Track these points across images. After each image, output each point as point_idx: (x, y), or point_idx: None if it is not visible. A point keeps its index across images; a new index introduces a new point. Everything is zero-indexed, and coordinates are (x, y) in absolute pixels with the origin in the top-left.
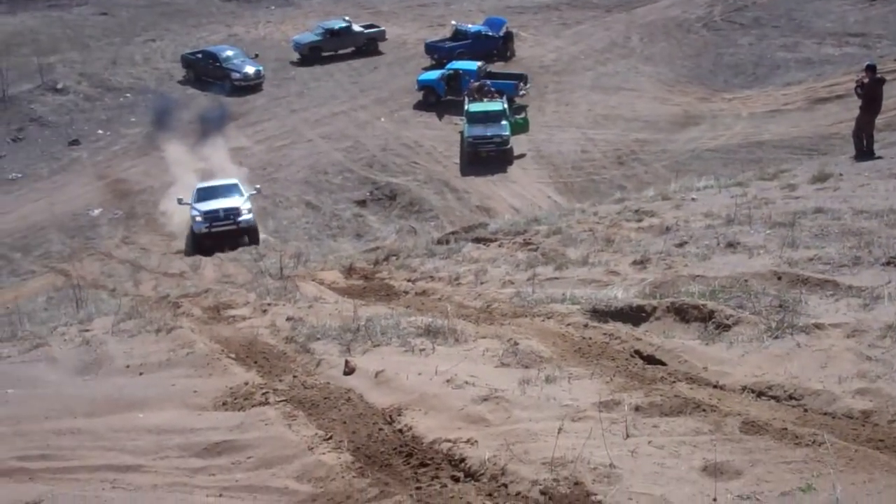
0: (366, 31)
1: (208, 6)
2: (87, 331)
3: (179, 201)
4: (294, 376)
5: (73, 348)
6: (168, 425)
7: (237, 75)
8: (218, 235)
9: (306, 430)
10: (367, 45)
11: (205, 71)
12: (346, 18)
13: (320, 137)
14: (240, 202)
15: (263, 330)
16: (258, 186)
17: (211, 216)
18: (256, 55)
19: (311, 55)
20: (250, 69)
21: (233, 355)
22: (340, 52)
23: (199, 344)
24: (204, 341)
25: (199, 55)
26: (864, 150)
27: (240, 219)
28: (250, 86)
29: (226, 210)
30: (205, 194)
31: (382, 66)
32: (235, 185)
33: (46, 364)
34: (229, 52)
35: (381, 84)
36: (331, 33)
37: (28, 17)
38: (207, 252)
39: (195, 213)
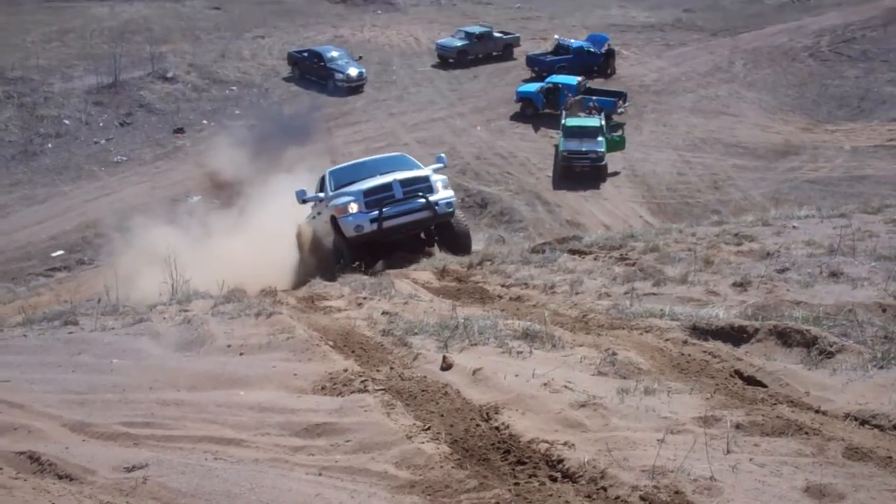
0: (504, 36)
1: (317, 7)
2: (186, 311)
3: (303, 198)
4: (391, 367)
5: (175, 326)
6: (268, 404)
7: (340, 76)
8: (393, 231)
9: (404, 420)
10: (505, 51)
11: (309, 69)
12: (486, 24)
13: (416, 142)
14: (427, 172)
15: (360, 322)
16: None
17: (377, 197)
18: (360, 57)
19: (459, 58)
20: (353, 71)
21: (331, 343)
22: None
23: (298, 330)
24: (303, 328)
25: (305, 54)
26: None
27: (435, 198)
28: (353, 87)
29: (406, 184)
30: (348, 174)
31: (483, 75)
32: (405, 158)
33: (149, 338)
34: (334, 53)
35: (480, 93)
36: (476, 38)
37: (144, 7)
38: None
39: (342, 200)
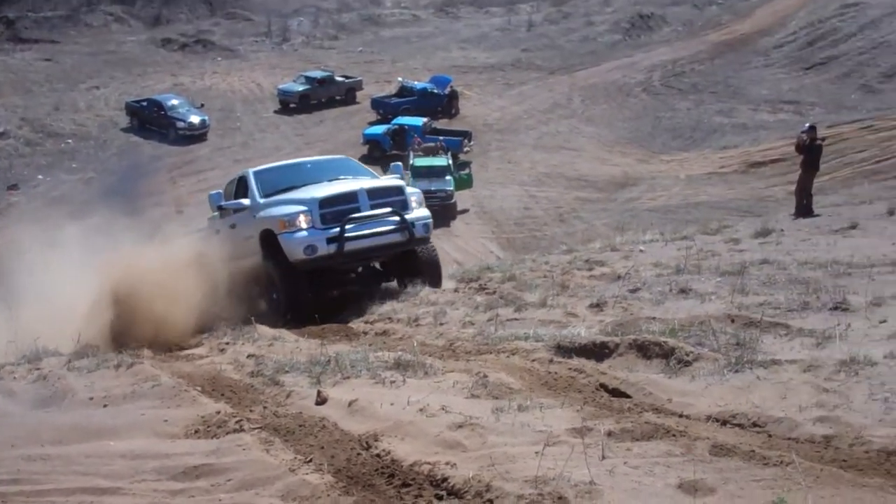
0: (346, 80)
1: (153, 55)
2: (38, 369)
3: (218, 203)
4: (265, 407)
5: (30, 383)
6: (141, 451)
7: (182, 124)
8: (355, 257)
9: (285, 455)
10: (347, 95)
11: (149, 119)
12: (327, 68)
13: None
14: (400, 183)
15: (226, 366)
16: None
17: (337, 210)
18: (202, 105)
19: (301, 103)
20: (195, 118)
21: (199, 388)
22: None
23: (163, 377)
24: (167, 375)
25: (145, 103)
26: (804, 209)
27: (412, 217)
28: (195, 135)
29: (376, 195)
30: (281, 178)
31: (328, 119)
32: (350, 162)
33: (4, 397)
34: (175, 101)
35: (327, 137)
36: (318, 82)
37: None
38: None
39: (285, 210)
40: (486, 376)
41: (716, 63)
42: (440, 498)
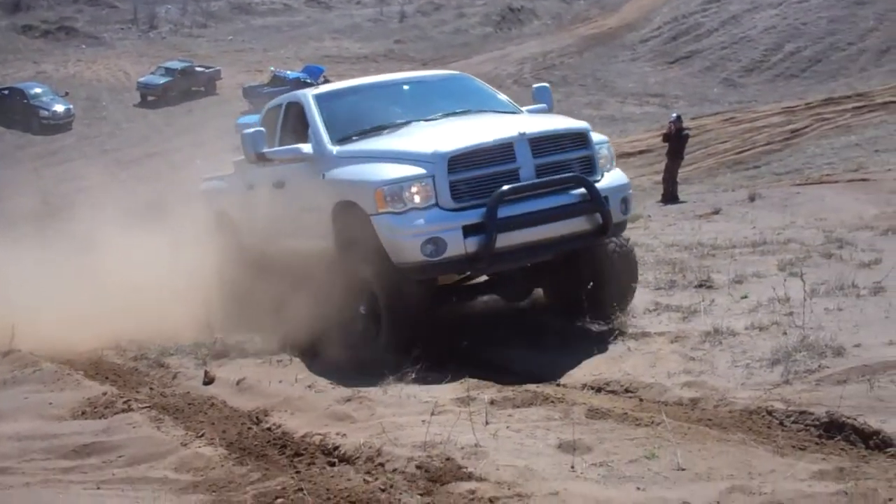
0: (206, 70)
1: (14, 42)
2: None
3: (258, 149)
4: (151, 388)
5: None
6: (28, 433)
7: (45, 113)
8: (516, 259)
9: (176, 431)
10: (208, 85)
11: (11, 108)
12: (185, 59)
13: (133, 178)
14: (581, 126)
15: (108, 351)
16: None
17: (483, 175)
18: (66, 93)
19: (163, 95)
20: (59, 107)
21: (82, 372)
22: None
23: (43, 363)
24: (47, 362)
25: (6, 91)
26: (671, 195)
27: (604, 186)
28: (60, 124)
29: (543, 147)
30: (364, 109)
31: (197, 109)
32: (472, 82)
33: None
34: (38, 90)
35: (198, 127)
36: (179, 73)
37: None
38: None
39: (386, 172)
40: None
41: (584, 56)
42: (333, 464)
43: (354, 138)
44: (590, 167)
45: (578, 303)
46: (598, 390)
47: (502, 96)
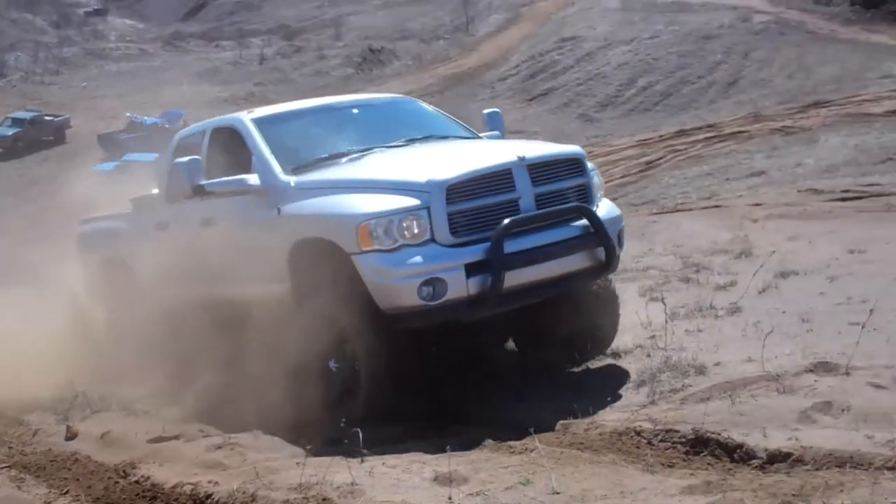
0: (55, 119)
1: None
2: None
3: (197, 181)
4: (10, 447)
5: None
6: None
7: None
8: (520, 299)
9: (38, 490)
10: (56, 134)
11: None
12: (33, 108)
13: None
14: (575, 151)
15: None
16: None
17: (476, 203)
18: None
19: (13, 146)
20: None
21: None
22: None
23: None
24: None
25: None
26: None
27: (602, 215)
28: None
29: (541, 175)
30: (310, 134)
31: (52, 158)
32: (416, 106)
33: None
34: None
35: (51, 177)
36: (28, 123)
37: None
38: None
39: (373, 204)
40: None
41: (446, 95)
42: None
43: (311, 168)
44: (586, 196)
45: (555, 346)
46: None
47: (456, 121)
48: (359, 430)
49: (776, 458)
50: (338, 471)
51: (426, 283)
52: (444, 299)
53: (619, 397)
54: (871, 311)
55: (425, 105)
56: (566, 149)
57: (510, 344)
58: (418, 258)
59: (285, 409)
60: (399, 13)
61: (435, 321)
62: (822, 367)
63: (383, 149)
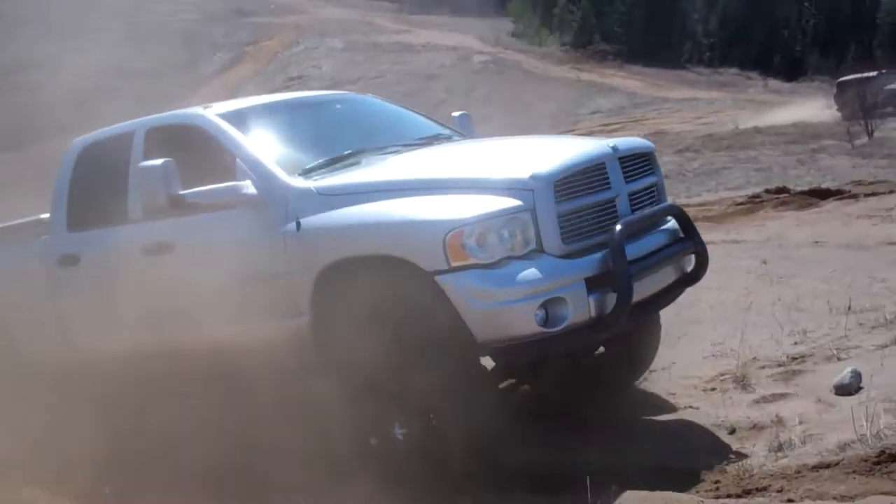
0: None
1: None
2: None
3: (175, 191)
4: None
5: None
6: None
7: None
8: (639, 319)
9: None
10: None
11: None
12: None
13: None
14: (644, 145)
15: None
16: None
17: (581, 202)
18: None
19: None
20: None
21: None
22: None
23: None
24: None
25: None
26: None
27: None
28: None
29: (633, 170)
30: (299, 131)
31: None
32: (372, 102)
33: None
34: None
35: None
36: None
37: None
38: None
39: (470, 214)
40: None
41: None
42: None
43: (326, 171)
44: (658, 196)
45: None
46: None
47: (417, 115)
48: None
49: None
50: None
51: (546, 304)
52: (565, 324)
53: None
54: None
55: (378, 99)
56: (641, 141)
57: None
58: (535, 273)
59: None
60: (118, 52)
61: (549, 353)
62: None
63: (411, 147)
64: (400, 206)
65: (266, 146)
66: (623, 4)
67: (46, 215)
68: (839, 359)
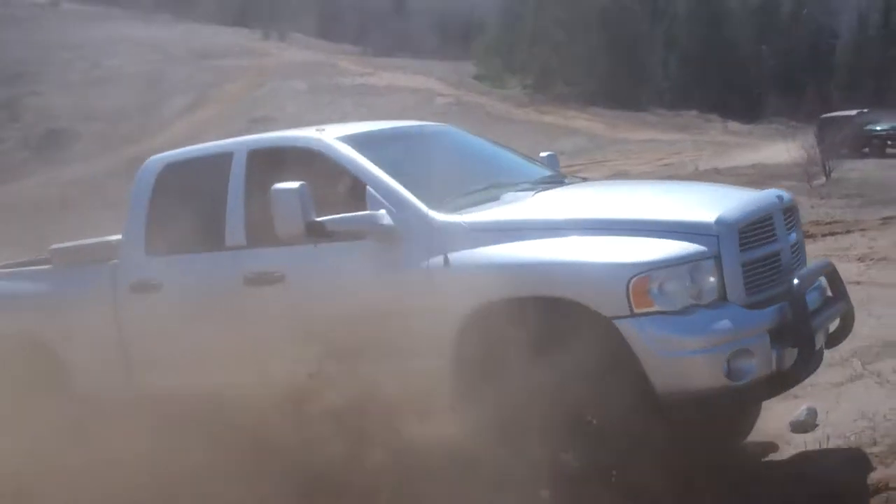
0: None
1: None
2: None
3: (309, 218)
4: None
5: None
6: None
7: None
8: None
9: None
10: None
11: None
12: None
13: None
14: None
15: None
16: None
17: (757, 252)
18: None
19: None
20: None
21: None
22: None
23: None
24: None
25: None
26: None
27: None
28: None
29: (790, 216)
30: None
31: None
32: (458, 134)
33: None
34: None
35: None
36: None
37: None
38: None
39: (653, 257)
40: None
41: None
42: None
43: (466, 204)
44: (801, 252)
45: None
46: None
47: (514, 153)
48: None
49: None
50: None
51: (734, 355)
52: (750, 377)
53: None
54: None
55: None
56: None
57: None
58: (727, 323)
59: None
60: (81, 94)
61: (727, 408)
62: None
63: (547, 185)
64: (571, 246)
65: (397, 174)
66: (584, 48)
67: (115, 237)
68: (795, 396)
